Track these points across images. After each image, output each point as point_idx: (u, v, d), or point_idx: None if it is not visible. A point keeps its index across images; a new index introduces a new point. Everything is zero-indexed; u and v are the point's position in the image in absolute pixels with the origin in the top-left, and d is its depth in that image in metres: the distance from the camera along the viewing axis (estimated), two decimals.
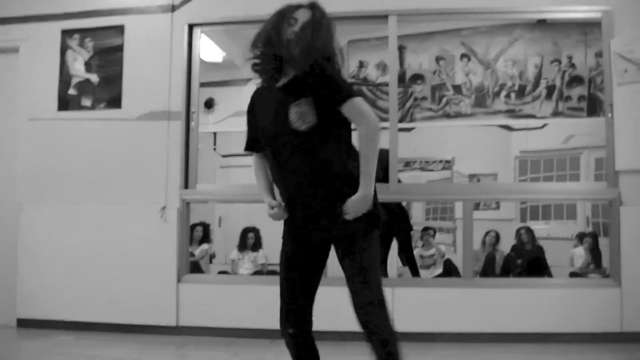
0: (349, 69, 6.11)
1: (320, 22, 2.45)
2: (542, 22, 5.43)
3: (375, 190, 2.41)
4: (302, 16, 2.44)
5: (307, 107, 2.35)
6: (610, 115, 4.56)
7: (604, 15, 4.61)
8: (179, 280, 4.88)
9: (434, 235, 6.69)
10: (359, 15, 4.86)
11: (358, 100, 2.36)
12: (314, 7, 2.49)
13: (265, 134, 2.49)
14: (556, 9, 4.75)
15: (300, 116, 2.35)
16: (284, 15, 2.47)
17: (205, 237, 6.85)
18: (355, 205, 2.34)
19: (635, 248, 4.46)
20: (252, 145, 2.67)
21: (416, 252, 6.50)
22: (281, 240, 2.58)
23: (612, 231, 4.57)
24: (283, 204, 2.51)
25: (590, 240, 6.13)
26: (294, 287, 2.54)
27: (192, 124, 4.97)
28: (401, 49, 5.62)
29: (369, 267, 2.38)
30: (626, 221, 4.49)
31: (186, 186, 4.95)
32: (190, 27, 5.05)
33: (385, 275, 5.76)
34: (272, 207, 2.51)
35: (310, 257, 2.54)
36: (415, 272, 6.13)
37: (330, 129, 2.38)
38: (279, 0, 4.60)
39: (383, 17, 4.82)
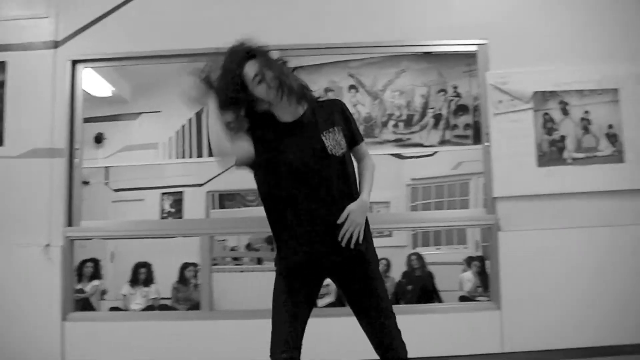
0: None
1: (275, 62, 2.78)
2: (428, 54, 5.61)
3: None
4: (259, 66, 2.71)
5: (340, 135, 2.71)
6: (487, 143, 4.75)
7: (479, 49, 4.82)
8: (63, 319, 4.73)
9: None
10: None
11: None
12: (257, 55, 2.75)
13: (291, 165, 2.65)
14: (439, 43, 4.92)
15: (337, 142, 2.67)
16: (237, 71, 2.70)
17: (96, 273, 6.71)
18: (355, 210, 2.64)
19: (513, 271, 4.64)
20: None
21: None
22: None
23: (492, 256, 4.74)
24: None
25: (478, 263, 6.32)
26: (293, 314, 2.70)
27: (76, 160, 4.88)
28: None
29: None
30: (504, 246, 4.66)
31: (70, 223, 4.84)
32: (74, 63, 4.96)
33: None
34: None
35: (310, 285, 2.77)
36: None
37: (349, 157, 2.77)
38: (160, 36, 4.68)
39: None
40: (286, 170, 2.65)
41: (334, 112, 2.79)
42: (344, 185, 2.68)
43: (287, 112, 2.74)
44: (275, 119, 2.75)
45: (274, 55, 2.79)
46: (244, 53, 2.71)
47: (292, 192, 2.65)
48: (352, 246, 2.65)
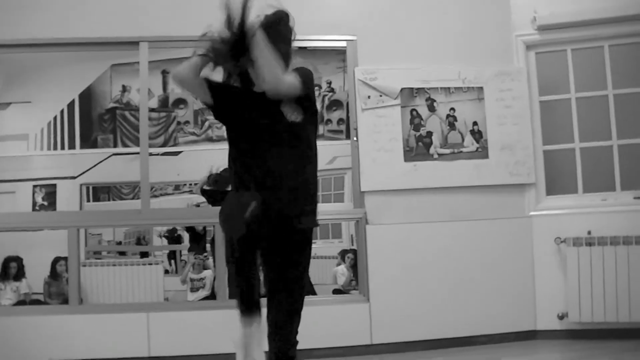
0: (111, 93, 6.00)
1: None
2: (302, 49, 5.62)
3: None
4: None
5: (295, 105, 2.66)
6: (355, 139, 4.81)
7: (349, 45, 4.88)
8: None
9: (206, 259, 6.68)
10: (114, 41, 4.79)
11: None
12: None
13: (250, 123, 2.67)
14: (310, 38, 4.94)
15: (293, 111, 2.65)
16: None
17: None
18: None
19: (380, 264, 4.74)
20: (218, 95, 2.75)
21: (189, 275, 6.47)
22: None
23: (360, 249, 4.82)
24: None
25: (352, 256, 6.39)
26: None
27: None
28: (165, 73, 5.60)
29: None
30: (372, 239, 4.76)
31: None
32: None
33: None
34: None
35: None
36: None
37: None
38: (30, 24, 4.46)
39: (135, 44, 4.79)
40: (243, 127, 2.72)
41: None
42: (299, 149, 2.73)
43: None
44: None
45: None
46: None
47: (243, 150, 2.77)
48: None
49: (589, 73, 5.11)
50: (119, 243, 7.64)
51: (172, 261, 7.68)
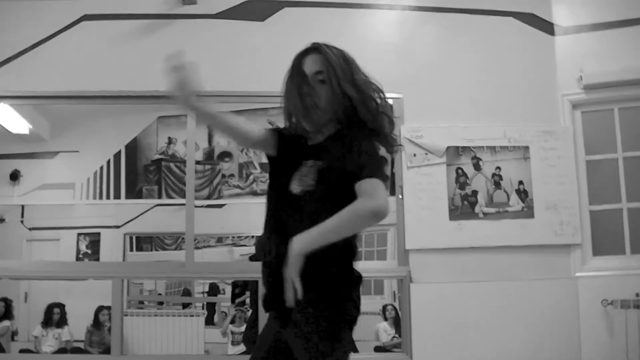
0: (157, 144, 6.11)
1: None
2: None
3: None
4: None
5: (312, 169, 2.14)
6: (400, 196, 4.81)
7: (394, 102, 4.88)
8: None
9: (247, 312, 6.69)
10: (162, 94, 4.87)
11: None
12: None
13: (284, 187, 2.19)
14: None
15: (299, 178, 2.15)
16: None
17: (7, 313, 6.50)
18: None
19: (424, 323, 4.68)
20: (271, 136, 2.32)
21: (230, 328, 6.47)
22: None
23: (404, 307, 4.77)
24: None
25: (392, 308, 6.35)
26: None
27: None
28: (210, 126, 5.69)
29: None
30: (416, 297, 4.71)
31: None
32: None
33: None
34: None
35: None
36: None
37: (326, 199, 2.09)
38: (80, 76, 4.61)
39: None
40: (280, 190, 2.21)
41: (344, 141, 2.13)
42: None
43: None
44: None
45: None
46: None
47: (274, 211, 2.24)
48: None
49: (637, 132, 5.07)
50: (160, 294, 7.70)
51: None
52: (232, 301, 6.81)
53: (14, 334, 6.68)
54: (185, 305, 7.60)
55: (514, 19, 5.10)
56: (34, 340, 6.33)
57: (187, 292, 7.84)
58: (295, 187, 2.13)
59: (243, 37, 5.01)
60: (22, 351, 6.21)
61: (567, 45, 5.09)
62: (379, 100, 2.24)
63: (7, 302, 6.56)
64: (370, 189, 1.98)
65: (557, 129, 4.95)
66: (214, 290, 7.79)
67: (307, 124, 2.21)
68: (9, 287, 6.75)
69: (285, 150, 2.29)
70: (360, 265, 2.14)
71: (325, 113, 2.19)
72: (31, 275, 5.31)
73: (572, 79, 5.04)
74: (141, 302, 7.67)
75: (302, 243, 1.96)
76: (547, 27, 5.10)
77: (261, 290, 2.29)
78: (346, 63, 2.22)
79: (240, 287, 6.68)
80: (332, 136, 2.21)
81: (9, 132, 5.22)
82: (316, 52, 2.23)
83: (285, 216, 2.15)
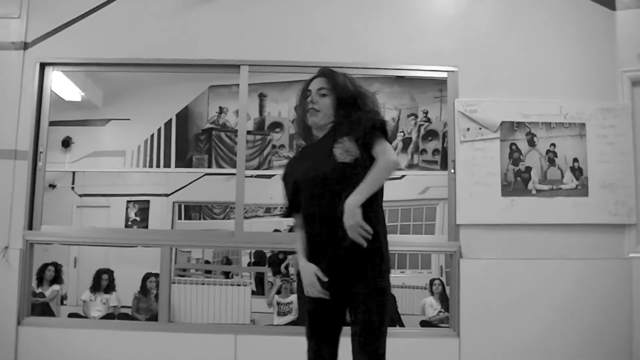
0: (208, 114, 6.14)
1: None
2: (400, 78, 5.62)
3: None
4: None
5: (350, 143, 2.66)
6: (452, 171, 4.77)
7: (449, 76, 4.85)
8: (19, 323, 4.69)
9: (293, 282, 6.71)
10: (215, 63, 4.95)
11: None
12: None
13: (305, 177, 2.73)
14: (410, 68, 4.97)
15: (345, 150, 2.64)
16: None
17: (57, 278, 6.61)
18: (344, 216, 2.52)
19: (473, 299, 4.65)
20: (292, 208, 2.85)
21: (276, 298, 6.50)
22: None
23: (453, 283, 4.75)
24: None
25: (439, 283, 6.30)
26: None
27: (40, 164, 4.83)
28: (262, 96, 5.67)
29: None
30: (465, 273, 4.68)
31: (30, 227, 4.79)
32: (43, 66, 4.96)
33: None
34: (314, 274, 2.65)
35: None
36: None
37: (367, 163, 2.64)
38: (133, 44, 4.64)
39: (236, 67, 4.96)
40: (303, 184, 2.75)
41: (352, 123, 2.73)
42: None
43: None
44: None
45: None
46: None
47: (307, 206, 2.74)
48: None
49: None
50: (207, 262, 7.75)
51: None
52: (273, 272, 6.84)
53: (63, 298, 6.79)
54: (227, 275, 7.64)
55: None
56: (82, 305, 6.43)
57: (228, 262, 7.88)
58: (345, 157, 2.63)
59: (302, 6, 5.05)
60: (70, 315, 6.32)
61: (628, 20, 4.95)
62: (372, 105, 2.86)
63: (57, 267, 6.66)
64: (382, 150, 2.64)
65: (616, 106, 4.83)
66: (262, 260, 7.81)
67: (309, 122, 2.86)
68: (59, 252, 6.84)
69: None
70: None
71: (325, 116, 2.81)
72: (81, 241, 5.40)
73: (632, 55, 4.90)
74: (183, 270, 7.74)
75: (356, 197, 2.51)
76: (609, 1, 4.96)
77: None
78: (347, 79, 2.86)
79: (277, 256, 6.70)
80: (334, 125, 2.81)
81: (61, 99, 5.27)
82: (322, 76, 2.86)
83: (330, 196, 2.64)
